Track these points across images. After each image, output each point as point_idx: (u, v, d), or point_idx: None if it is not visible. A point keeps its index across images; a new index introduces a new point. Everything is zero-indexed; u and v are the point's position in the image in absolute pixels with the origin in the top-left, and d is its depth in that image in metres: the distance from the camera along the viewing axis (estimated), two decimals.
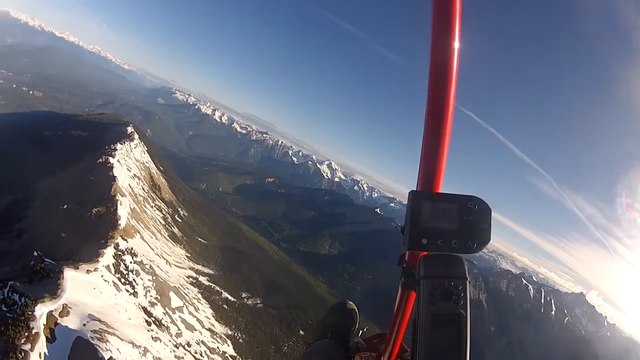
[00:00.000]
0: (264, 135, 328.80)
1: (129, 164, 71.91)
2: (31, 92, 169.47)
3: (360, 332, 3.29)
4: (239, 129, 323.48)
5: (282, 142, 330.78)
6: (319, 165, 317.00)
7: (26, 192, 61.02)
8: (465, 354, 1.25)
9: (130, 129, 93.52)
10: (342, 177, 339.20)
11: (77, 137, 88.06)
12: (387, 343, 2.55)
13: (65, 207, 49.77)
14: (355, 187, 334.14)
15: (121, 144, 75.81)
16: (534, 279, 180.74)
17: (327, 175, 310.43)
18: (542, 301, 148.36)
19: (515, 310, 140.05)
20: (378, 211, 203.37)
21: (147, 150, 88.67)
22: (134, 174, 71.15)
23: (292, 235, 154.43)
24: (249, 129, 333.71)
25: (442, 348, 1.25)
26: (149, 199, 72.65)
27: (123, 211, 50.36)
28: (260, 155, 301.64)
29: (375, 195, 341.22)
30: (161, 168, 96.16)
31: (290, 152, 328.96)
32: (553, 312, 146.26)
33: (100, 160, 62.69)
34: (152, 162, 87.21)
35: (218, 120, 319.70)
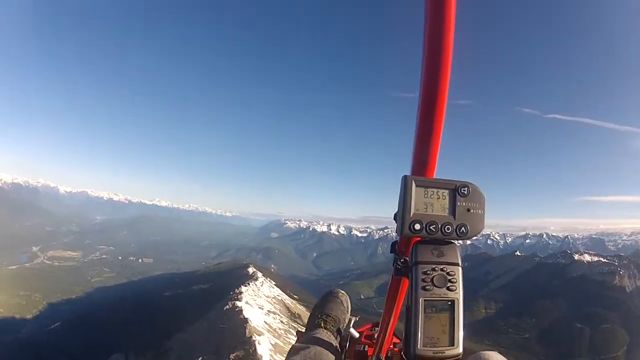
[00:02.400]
0: (385, 230, 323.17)
1: (260, 302, 72.49)
2: (140, 260, 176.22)
3: (353, 321, 3.03)
4: (359, 234, 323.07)
5: None
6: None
7: (157, 351, 61.29)
8: (459, 340, 1.26)
9: (251, 270, 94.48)
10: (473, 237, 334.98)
11: (199, 291, 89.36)
12: (381, 331, 2.55)
13: (201, 358, 50.71)
14: (489, 241, 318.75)
15: (245, 285, 77.08)
16: None
17: (458, 242, 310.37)
18: None
19: None
20: (518, 253, 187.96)
21: (275, 284, 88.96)
22: (268, 310, 71.43)
23: None
24: (368, 230, 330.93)
25: (435, 334, 1.25)
26: (290, 329, 69.85)
27: (264, 349, 49.36)
28: (387, 250, 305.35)
29: (509, 239, 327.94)
30: (295, 296, 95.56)
31: None
32: None
33: (228, 306, 63.85)
34: (284, 293, 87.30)
35: (336, 233, 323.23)
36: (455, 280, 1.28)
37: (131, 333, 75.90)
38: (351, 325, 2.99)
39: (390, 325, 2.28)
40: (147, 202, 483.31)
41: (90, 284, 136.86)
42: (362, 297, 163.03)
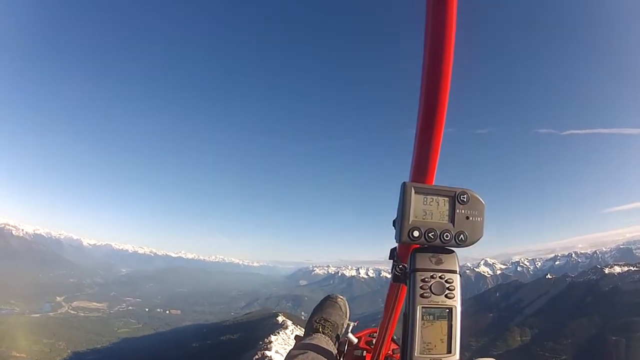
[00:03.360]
0: None
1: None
2: (168, 312, 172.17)
3: (351, 326, 3.08)
4: (388, 276, 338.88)
5: None
6: (476, 270, 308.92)
7: None
8: (457, 348, 1.25)
9: (281, 318, 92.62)
10: (502, 266, 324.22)
11: (228, 341, 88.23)
12: (379, 337, 2.57)
13: None
14: (518, 268, 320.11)
15: (275, 334, 76.17)
16: None
17: (488, 274, 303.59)
18: None
19: None
20: (549, 276, 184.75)
21: None
22: None
23: (482, 347, 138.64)
24: None
25: (433, 342, 1.24)
26: None
27: None
28: None
29: (539, 264, 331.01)
30: None
31: None
32: None
33: (257, 356, 63.94)
34: None
35: (365, 277, 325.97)
36: (453, 288, 1.27)
37: None
38: (349, 330, 3.01)
39: (388, 331, 2.26)
40: (173, 255, 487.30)
41: (116, 334, 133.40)
42: (394, 337, 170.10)
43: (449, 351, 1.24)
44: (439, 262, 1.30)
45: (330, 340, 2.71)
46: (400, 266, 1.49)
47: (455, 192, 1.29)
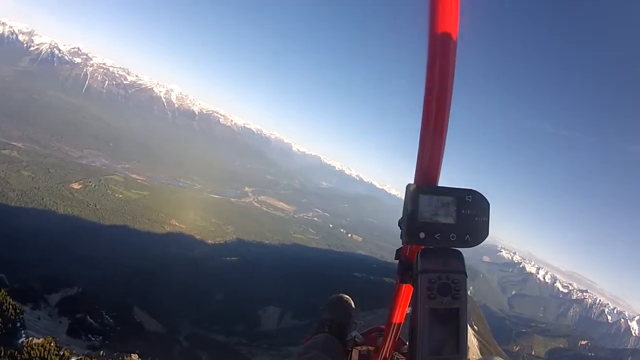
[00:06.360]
0: (584, 294, 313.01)
1: None
2: (350, 235, 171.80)
3: (357, 326, 3.21)
4: (560, 288, 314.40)
5: (600, 300, 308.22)
6: (629, 323, 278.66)
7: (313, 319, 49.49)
8: (463, 348, 1.24)
9: None
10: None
11: (388, 284, 79.31)
12: (385, 337, 2.55)
13: None
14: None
15: None
16: None
17: (635, 333, 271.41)
18: None
19: None
20: None
21: None
22: None
23: None
24: (570, 287, 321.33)
25: (439, 342, 1.24)
26: None
27: None
28: (578, 315, 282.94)
29: None
30: (475, 327, 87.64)
31: (606, 310, 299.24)
32: None
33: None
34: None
35: (541, 279, 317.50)
36: (459, 289, 1.27)
37: (297, 295, 75.06)
38: (356, 329, 3.11)
39: (394, 331, 2.25)
40: (377, 185, 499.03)
41: (290, 237, 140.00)
42: (532, 353, 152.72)
43: (456, 352, 1.23)
44: (445, 262, 1.30)
45: (337, 340, 2.80)
46: (406, 267, 1.50)
47: (461, 192, 1.29)
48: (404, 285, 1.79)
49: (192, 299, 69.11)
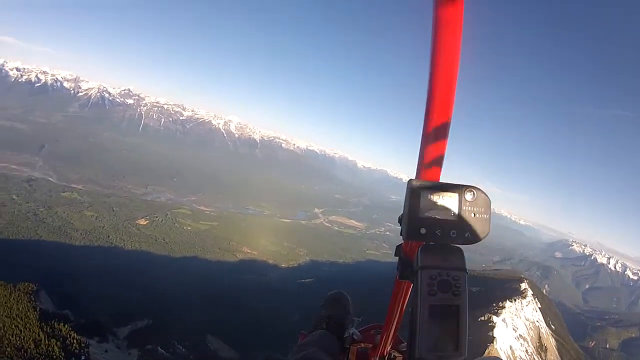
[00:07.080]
0: None
1: (517, 323, 69.31)
2: None
3: (356, 322, 3.25)
4: (631, 276, 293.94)
5: None
6: None
7: None
8: (463, 346, 1.23)
9: (524, 286, 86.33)
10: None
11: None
12: (383, 334, 2.58)
13: None
14: None
15: (511, 301, 73.37)
16: None
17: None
18: None
19: None
20: None
21: (540, 308, 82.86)
22: (520, 334, 68.40)
23: None
24: None
25: (439, 339, 1.23)
26: None
27: None
28: None
29: None
30: (552, 327, 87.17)
31: None
32: None
33: (483, 318, 62.41)
34: (543, 320, 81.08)
35: (612, 269, 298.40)
36: (460, 286, 1.25)
37: (373, 311, 66.99)
38: (354, 326, 3.12)
39: (393, 328, 2.24)
40: None
41: (363, 254, 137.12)
42: (607, 346, 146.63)
43: (456, 349, 1.22)
44: (446, 259, 1.28)
45: (334, 337, 2.79)
46: (406, 263, 1.48)
47: (462, 189, 1.27)
48: (404, 282, 1.76)
49: (266, 323, 68.45)
